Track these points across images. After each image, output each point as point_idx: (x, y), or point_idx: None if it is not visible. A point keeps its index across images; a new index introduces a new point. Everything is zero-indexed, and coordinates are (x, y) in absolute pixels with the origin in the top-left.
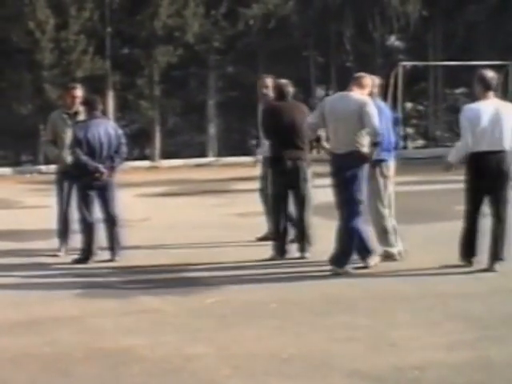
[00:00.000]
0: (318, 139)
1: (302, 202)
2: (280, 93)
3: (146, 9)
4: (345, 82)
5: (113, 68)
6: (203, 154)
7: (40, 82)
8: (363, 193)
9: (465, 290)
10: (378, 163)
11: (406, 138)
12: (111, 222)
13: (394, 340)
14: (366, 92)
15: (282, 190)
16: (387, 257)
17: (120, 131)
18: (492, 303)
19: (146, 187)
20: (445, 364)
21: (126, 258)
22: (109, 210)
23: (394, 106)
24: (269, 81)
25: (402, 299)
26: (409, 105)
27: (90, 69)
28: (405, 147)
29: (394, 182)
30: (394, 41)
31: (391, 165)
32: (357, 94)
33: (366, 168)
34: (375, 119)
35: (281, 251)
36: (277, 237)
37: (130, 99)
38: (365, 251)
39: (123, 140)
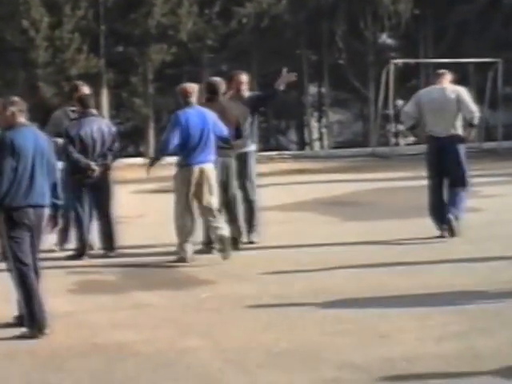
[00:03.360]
0: (413, 126)
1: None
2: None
3: (141, 7)
4: (337, 79)
5: (107, 66)
6: None
7: (34, 80)
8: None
9: (454, 282)
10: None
11: (397, 134)
12: (106, 218)
13: (384, 332)
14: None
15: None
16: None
17: (114, 128)
18: (481, 295)
19: (140, 184)
20: (434, 355)
21: (120, 254)
22: (103, 207)
23: (385, 103)
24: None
25: (392, 291)
26: (400, 102)
27: (84, 67)
28: (397, 144)
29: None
30: (385, 39)
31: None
32: (450, 85)
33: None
34: (471, 104)
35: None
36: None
37: (124, 97)
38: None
39: (116, 137)
